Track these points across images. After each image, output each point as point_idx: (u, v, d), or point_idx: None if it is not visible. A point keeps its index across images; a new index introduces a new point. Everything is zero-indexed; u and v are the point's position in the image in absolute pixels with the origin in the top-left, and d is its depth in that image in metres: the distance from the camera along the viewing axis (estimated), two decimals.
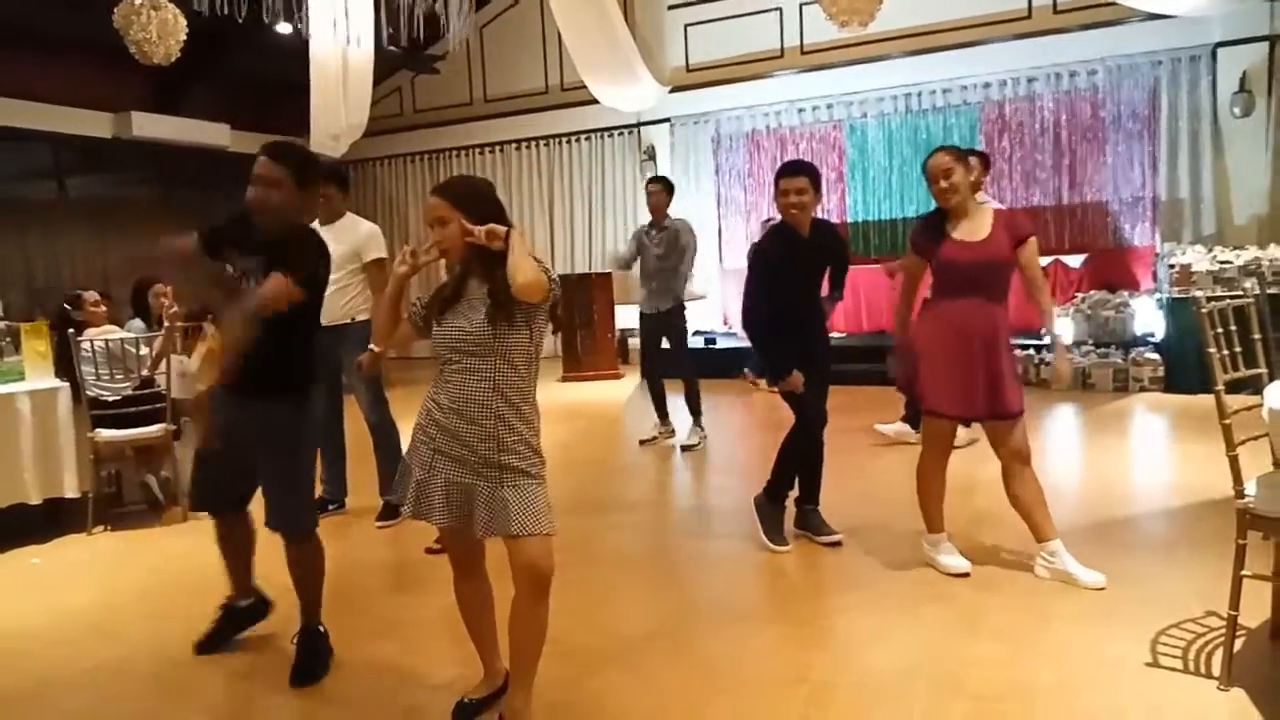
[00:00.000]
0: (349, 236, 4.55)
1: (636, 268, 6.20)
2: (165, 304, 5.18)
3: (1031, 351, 7.62)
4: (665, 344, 6.13)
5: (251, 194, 2.85)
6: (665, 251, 5.99)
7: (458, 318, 2.40)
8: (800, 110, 10.14)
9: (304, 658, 2.98)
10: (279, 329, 2.84)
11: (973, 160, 3.39)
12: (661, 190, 6.12)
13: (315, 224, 4.60)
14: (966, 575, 3.46)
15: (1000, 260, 3.35)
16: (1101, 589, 3.25)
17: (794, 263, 3.82)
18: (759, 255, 3.91)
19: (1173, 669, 2.66)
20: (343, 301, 4.54)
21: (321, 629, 3.07)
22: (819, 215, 3.93)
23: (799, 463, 3.97)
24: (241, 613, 3.23)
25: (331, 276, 4.44)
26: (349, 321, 4.57)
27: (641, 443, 6.21)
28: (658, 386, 6.24)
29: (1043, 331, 3.57)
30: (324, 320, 4.55)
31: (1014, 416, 3.37)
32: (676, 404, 6.25)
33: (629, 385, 9.40)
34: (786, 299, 3.82)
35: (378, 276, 4.56)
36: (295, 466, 2.97)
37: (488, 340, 2.34)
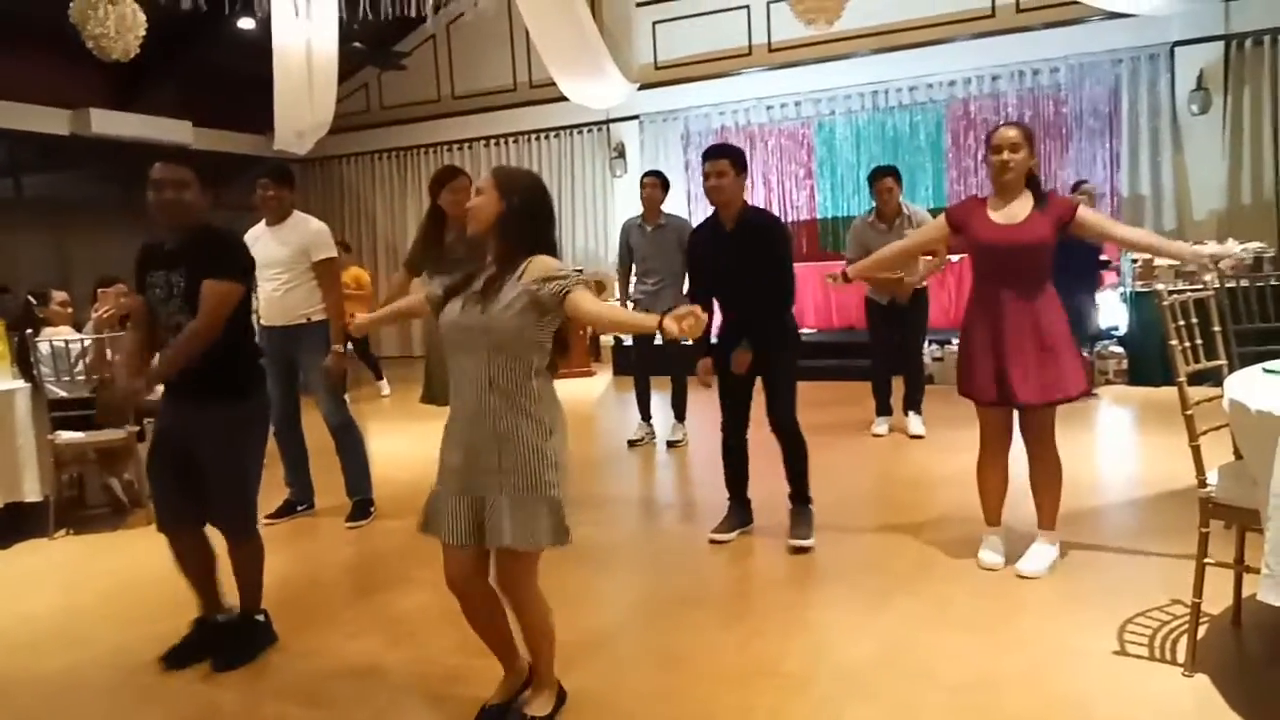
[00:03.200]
0: (297, 235, 4.46)
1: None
2: (97, 306, 5.03)
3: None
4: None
5: (158, 199, 2.90)
6: (665, 252, 5.80)
7: (458, 306, 2.37)
8: (769, 108, 10.18)
9: (238, 643, 3.04)
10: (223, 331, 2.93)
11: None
12: (657, 185, 5.93)
13: (262, 224, 4.54)
14: (997, 570, 3.44)
15: (1035, 244, 3.27)
16: (1035, 577, 3.33)
17: (708, 253, 3.84)
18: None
19: (1139, 656, 2.71)
20: (295, 301, 4.46)
21: (260, 618, 3.14)
22: (757, 205, 3.94)
23: (725, 462, 4.03)
24: (217, 628, 3.14)
25: (282, 276, 4.45)
26: (304, 322, 4.46)
27: (630, 444, 6.14)
28: (643, 386, 6.18)
29: (1187, 257, 3.40)
30: (278, 321, 4.51)
31: (1038, 405, 3.31)
32: (660, 403, 6.25)
33: (602, 382, 9.39)
34: (712, 290, 3.81)
35: (327, 275, 4.48)
36: (236, 466, 2.98)
37: (481, 330, 2.30)
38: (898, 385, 5.95)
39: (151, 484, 3.11)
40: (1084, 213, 3.36)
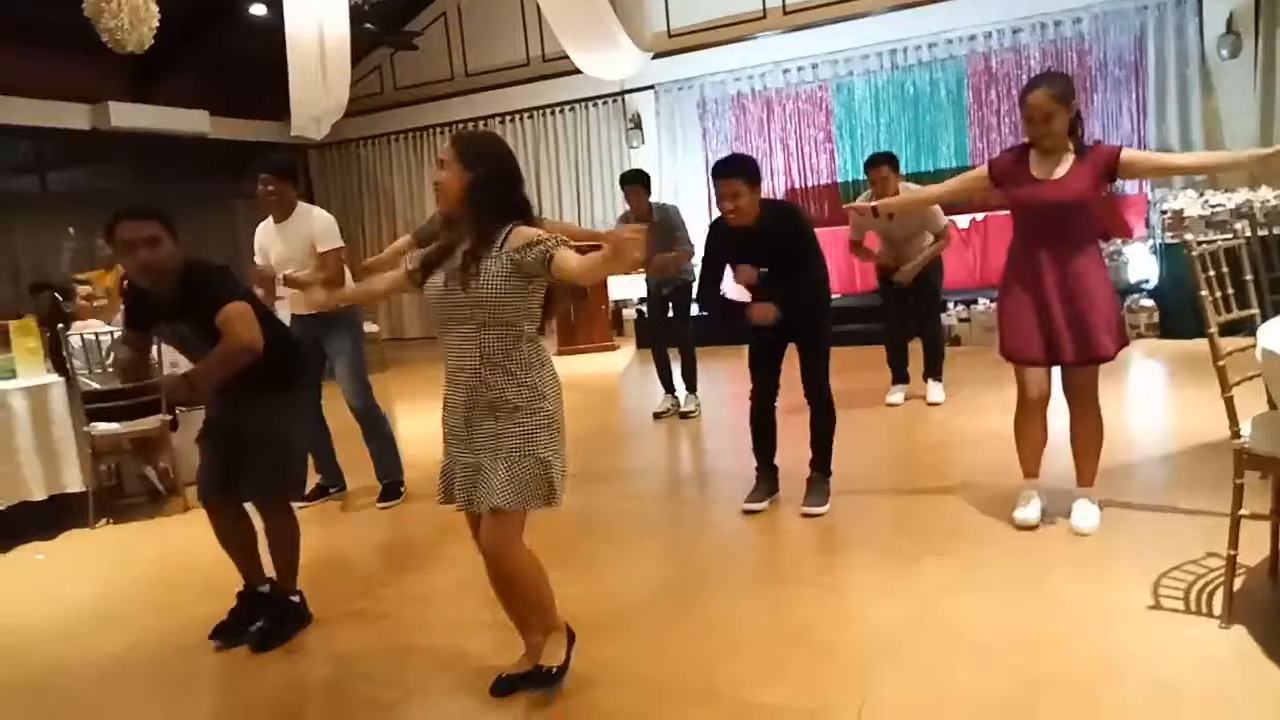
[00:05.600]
0: (305, 228, 4.48)
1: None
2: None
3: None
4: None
5: (135, 262, 2.88)
6: (660, 238, 5.73)
7: (440, 280, 2.39)
8: (785, 71, 10.03)
9: (273, 624, 3.12)
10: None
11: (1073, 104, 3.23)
12: (642, 190, 5.86)
13: (269, 221, 4.54)
14: (1033, 528, 3.40)
15: (1073, 201, 3.20)
16: (1084, 535, 3.30)
17: (728, 255, 3.77)
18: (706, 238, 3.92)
19: (1175, 610, 2.68)
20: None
21: (295, 599, 3.21)
22: (775, 198, 3.86)
23: (754, 430, 3.98)
24: (261, 598, 3.22)
25: (306, 270, 4.44)
26: (335, 308, 4.50)
27: (656, 416, 6.16)
28: (663, 360, 6.19)
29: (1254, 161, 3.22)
30: (309, 310, 4.53)
31: (1082, 363, 3.28)
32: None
33: (625, 357, 9.39)
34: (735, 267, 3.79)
35: (335, 266, 4.47)
36: (274, 440, 3.05)
37: (470, 305, 2.32)
38: (917, 352, 5.88)
39: (200, 458, 3.22)
40: (1130, 154, 3.24)
